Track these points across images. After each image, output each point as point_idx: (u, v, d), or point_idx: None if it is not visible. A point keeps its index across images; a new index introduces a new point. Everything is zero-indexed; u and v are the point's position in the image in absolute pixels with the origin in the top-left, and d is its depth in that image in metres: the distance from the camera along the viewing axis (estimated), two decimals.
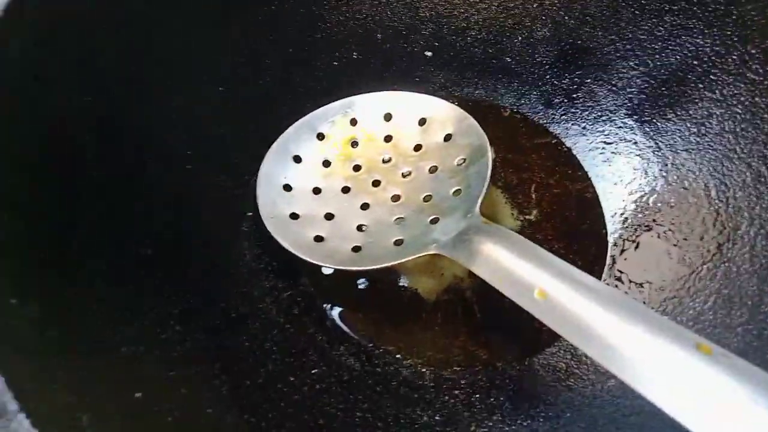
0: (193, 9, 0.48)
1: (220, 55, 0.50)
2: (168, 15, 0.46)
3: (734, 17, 0.45)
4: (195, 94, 0.48)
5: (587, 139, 0.53)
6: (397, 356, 0.46)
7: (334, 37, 0.54)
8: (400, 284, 0.48)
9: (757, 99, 0.44)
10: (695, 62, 0.48)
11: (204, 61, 0.49)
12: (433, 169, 0.48)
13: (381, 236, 0.45)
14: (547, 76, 0.55)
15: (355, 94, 0.51)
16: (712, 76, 0.47)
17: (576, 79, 0.54)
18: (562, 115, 0.55)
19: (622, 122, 0.52)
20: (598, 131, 0.53)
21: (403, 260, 0.42)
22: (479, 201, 0.44)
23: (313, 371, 0.43)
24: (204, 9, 0.48)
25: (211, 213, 0.48)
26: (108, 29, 0.41)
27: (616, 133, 0.52)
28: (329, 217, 0.47)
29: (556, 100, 0.55)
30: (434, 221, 0.45)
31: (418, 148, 0.50)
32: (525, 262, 0.37)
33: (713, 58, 0.47)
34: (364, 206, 0.48)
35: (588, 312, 0.33)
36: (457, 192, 0.46)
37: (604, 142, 0.53)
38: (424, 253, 0.42)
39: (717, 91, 0.47)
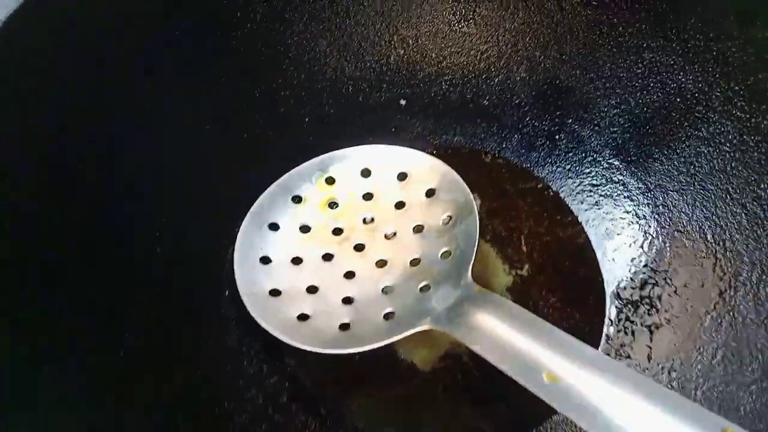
0: (163, 73, 0.45)
1: (188, 118, 0.47)
2: (140, 76, 0.43)
3: (714, 53, 0.44)
4: (158, 163, 0.45)
5: (574, 182, 0.52)
6: None
7: (303, 92, 0.52)
8: (396, 356, 0.46)
9: (745, 137, 0.43)
10: (678, 99, 0.47)
11: (171, 125, 0.46)
12: (419, 229, 0.46)
13: (369, 309, 0.43)
14: (527, 118, 0.53)
15: (330, 151, 0.49)
16: (696, 114, 0.46)
17: (557, 120, 0.52)
18: (545, 157, 0.53)
19: (608, 163, 0.50)
20: (584, 173, 0.51)
21: (396, 338, 0.40)
22: (470, 265, 0.42)
23: None
24: (171, 73, 0.46)
25: (186, 293, 0.44)
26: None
27: (603, 175, 0.50)
28: (312, 290, 0.44)
29: (539, 143, 0.53)
30: (425, 289, 0.42)
31: (400, 205, 0.48)
32: (531, 341, 0.34)
33: (697, 95, 0.46)
34: (349, 275, 0.45)
35: (607, 399, 0.31)
36: (446, 254, 0.44)
37: (592, 185, 0.51)
38: (417, 329, 0.40)
39: (703, 129, 0.45)
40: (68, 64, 0.41)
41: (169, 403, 0.40)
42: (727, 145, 0.44)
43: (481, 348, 0.36)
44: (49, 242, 0.38)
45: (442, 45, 0.54)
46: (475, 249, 0.42)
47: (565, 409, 0.31)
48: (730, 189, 0.43)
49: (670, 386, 0.41)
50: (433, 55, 0.54)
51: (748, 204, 0.42)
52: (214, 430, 0.39)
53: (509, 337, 0.35)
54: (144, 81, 0.44)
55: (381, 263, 0.45)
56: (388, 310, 0.42)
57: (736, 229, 0.43)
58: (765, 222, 0.41)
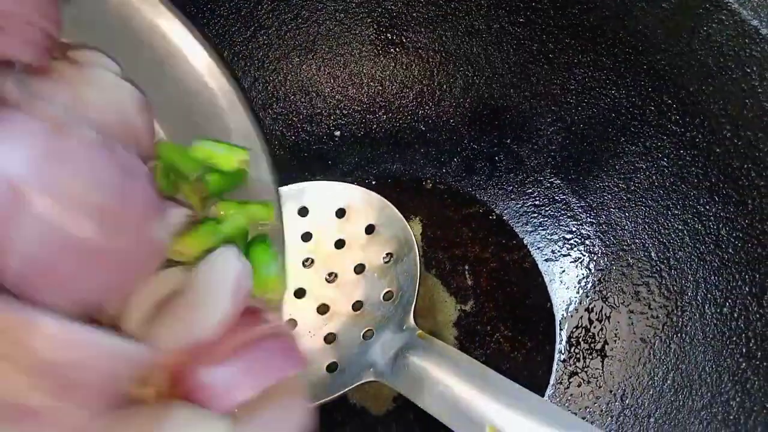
0: None
1: None
2: None
3: (645, 67, 0.43)
4: None
5: (517, 204, 0.50)
6: None
7: None
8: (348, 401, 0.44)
9: (681, 151, 0.42)
10: (613, 115, 0.46)
11: None
12: (360, 269, 0.45)
13: (312, 361, 0.41)
14: (465, 141, 0.52)
15: None
16: (632, 128, 0.45)
17: (495, 141, 0.51)
18: (486, 180, 0.52)
19: (549, 182, 0.49)
20: (526, 194, 0.50)
21: (340, 393, 0.38)
22: (412, 307, 0.40)
23: None
24: None
25: None
26: None
27: (546, 195, 0.49)
28: None
29: (479, 165, 0.52)
30: (368, 335, 0.41)
31: (340, 244, 0.46)
32: (475, 392, 0.33)
33: (631, 109, 0.45)
34: (290, 324, 0.43)
35: None
36: (389, 294, 0.43)
37: (535, 205, 0.50)
38: (361, 382, 0.38)
39: (640, 144, 0.45)
40: None
41: None
42: (665, 160, 0.43)
43: (424, 403, 0.35)
44: None
45: (372, 72, 0.52)
46: (416, 290, 0.41)
47: None
48: (671, 205, 0.43)
49: (623, 414, 0.40)
50: (364, 82, 0.52)
51: (689, 220, 0.42)
52: None
53: (452, 391, 0.34)
54: None
55: (323, 308, 0.44)
56: (332, 360, 0.41)
57: (678, 246, 0.42)
58: (707, 238, 0.41)
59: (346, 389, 0.38)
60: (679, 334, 0.40)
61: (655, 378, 0.40)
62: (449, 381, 0.35)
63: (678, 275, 0.41)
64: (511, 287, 0.48)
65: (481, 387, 0.33)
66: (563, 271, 0.47)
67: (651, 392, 0.40)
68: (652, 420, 0.39)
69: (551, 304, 0.47)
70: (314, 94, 0.51)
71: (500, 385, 0.33)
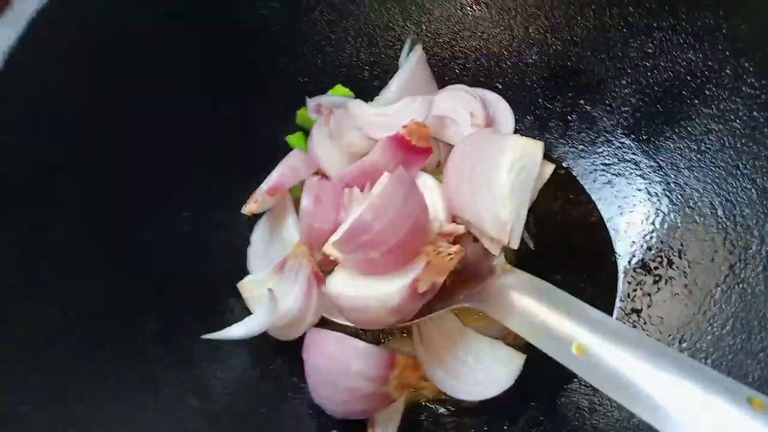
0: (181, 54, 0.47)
1: (205, 107, 0.49)
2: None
3: (724, 31, 0.45)
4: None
5: (587, 162, 0.53)
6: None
7: (322, 77, 0.54)
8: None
9: (755, 113, 0.44)
10: (689, 78, 0.47)
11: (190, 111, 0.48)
12: None
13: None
14: (540, 100, 0.54)
15: None
16: (707, 91, 0.46)
17: (569, 101, 0.53)
18: (558, 138, 0.54)
19: (620, 142, 0.51)
20: (596, 153, 0.52)
21: (434, 315, 0.41)
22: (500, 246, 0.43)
23: None
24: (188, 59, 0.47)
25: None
26: None
27: (616, 154, 0.51)
28: None
29: (552, 124, 0.54)
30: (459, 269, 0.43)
31: None
32: (561, 316, 0.36)
33: (707, 72, 0.46)
34: None
35: (633, 368, 0.32)
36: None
37: (604, 164, 0.52)
38: (454, 307, 0.41)
39: (713, 107, 0.46)
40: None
41: None
42: (737, 121, 0.45)
43: (513, 325, 0.37)
44: None
45: (455, 29, 0.55)
46: None
47: (595, 381, 0.33)
48: (740, 165, 0.44)
49: None
50: (446, 39, 0.55)
51: (757, 179, 0.43)
52: None
53: (541, 313, 0.37)
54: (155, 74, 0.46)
55: None
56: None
57: (746, 203, 0.43)
58: None
59: (438, 312, 0.41)
60: (740, 285, 0.42)
61: (714, 324, 0.42)
62: (537, 305, 0.37)
63: (743, 231, 0.43)
64: (576, 237, 0.50)
65: (567, 311, 0.36)
66: (628, 226, 0.49)
67: (709, 337, 0.41)
68: (709, 361, 0.40)
69: (614, 255, 0.49)
70: (399, 48, 0.54)
71: (585, 310, 0.36)
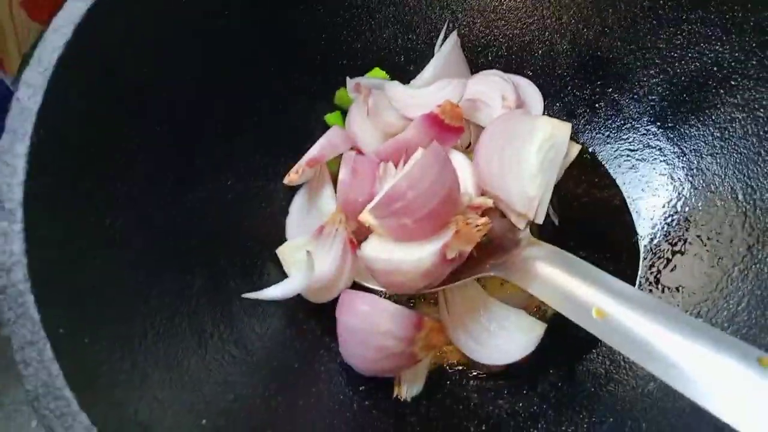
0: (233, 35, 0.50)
1: (255, 84, 0.52)
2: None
3: (752, 24, 0.46)
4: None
5: (612, 147, 0.55)
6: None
7: (359, 61, 0.56)
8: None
9: None
10: (715, 68, 0.49)
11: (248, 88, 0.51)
12: None
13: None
14: (569, 88, 0.56)
15: None
16: (732, 82, 0.48)
17: (597, 89, 0.55)
18: (585, 124, 0.56)
19: (645, 129, 0.53)
20: (622, 139, 0.54)
21: (460, 282, 0.44)
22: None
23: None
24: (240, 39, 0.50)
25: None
26: None
27: (641, 141, 0.53)
28: None
29: (579, 110, 0.56)
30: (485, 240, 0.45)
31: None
32: (580, 283, 0.38)
33: (733, 63, 0.48)
34: None
35: (649, 331, 0.34)
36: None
37: (629, 150, 0.54)
38: (480, 275, 0.44)
39: (738, 96, 0.48)
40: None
41: None
42: (761, 110, 0.46)
43: (535, 291, 0.40)
44: None
45: (490, 18, 0.57)
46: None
47: (613, 342, 0.35)
48: (762, 151, 0.46)
49: None
50: (480, 27, 0.58)
51: None
52: None
53: (563, 280, 0.39)
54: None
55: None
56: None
57: (766, 189, 0.45)
58: None
59: (466, 279, 0.44)
60: (758, 265, 0.43)
61: (731, 302, 0.43)
62: (558, 272, 0.39)
63: (762, 214, 0.45)
64: (599, 220, 0.52)
65: (589, 279, 0.38)
66: (650, 209, 0.51)
67: (725, 313, 0.43)
68: None
69: (636, 236, 0.51)
70: (435, 34, 0.57)
71: (605, 278, 0.38)
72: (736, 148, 0.48)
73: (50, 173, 0.35)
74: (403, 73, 0.57)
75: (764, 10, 0.46)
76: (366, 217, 0.43)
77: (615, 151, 0.55)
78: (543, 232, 0.49)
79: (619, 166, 0.54)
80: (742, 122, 0.48)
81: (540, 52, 0.57)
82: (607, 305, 0.36)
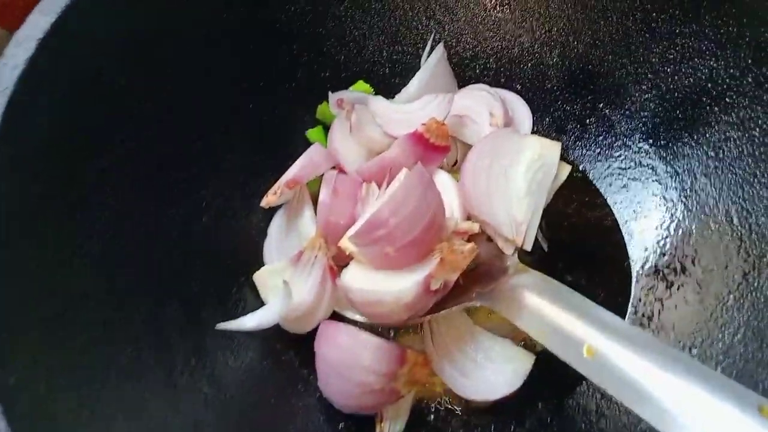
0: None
1: (228, 97, 0.50)
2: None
3: (748, 40, 0.45)
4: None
5: (603, 165, 0.53)
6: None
7: (343, 73, 0.54)
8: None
9: None
10: (709, 85, 0.47)
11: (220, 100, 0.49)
12: None
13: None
14: (559, 102, 0.55)
15: None
16: (727, 99, 0.46)
17: (588, 105, 0.53)
18: (576, 140, 0.54)
19: (637, 147, 0.51)
20: (613, 157, 0.52)
21: (445, 312, 0.42)
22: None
23: None
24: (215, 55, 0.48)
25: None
26: None
27: (633, 159, 0.52)
28: None
29: (570, 126, 0.54)
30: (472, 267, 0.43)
31: None
32: (570, 316, 0.36)
33: (728, 80, 0.46)
34: None
35: (642, 371, 0.32)
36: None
37: (621, 168, 0.52)
38: (466, 304, 0.42)
39: (733, 114, 0.46)
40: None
41: None
42: (757, 129, 0.45)
43: (524, 325, 0.38)
44: None
45: (478, 30, 0.55)
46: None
47: (602, 383, 0.33)
48: (758, 173, 0.44)
49: None
50: (469, 39, 0.56)
51: None
52: None
53: (552, 314, 0.37)
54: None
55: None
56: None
57: (762, 212, 0.43)
58: None
59: (451, 309, 0.41)
60: (753, 293, 0.42)
61: (726, 332, 0.42)
62: (549, 305, 0.37)
63: (758, 239, 0.43)
64: (590, 241, 0.50)
65: (579, 312, 0.36)
66: (642, 231, 0.49)
67: (720, 344, 0.42)
68: (719, 369, 0.41)
69: (628, 260, 0.49)
70: (421, 46, 0.55)
71: (597, 312, 0.36)
72: (731, 168, 0.46)
73: (11, 198, 0.33)
74: (389, 86, 0.55)
75: (760, 25, 0.44)
76: (346, 244, 0.40)
77: (606, 169, 0.53)
78: (532, 254, 0.47)
79: (611, 185, 0.52)
80: (737, 142, 0.46)
81: (529, 65, 0.55)
82: (598, 342, 0.34)
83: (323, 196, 0.44)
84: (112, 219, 0.39)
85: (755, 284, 0.42)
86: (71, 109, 0.38)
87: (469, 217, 0.44)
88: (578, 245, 0.50)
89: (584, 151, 0.54)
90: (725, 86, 0.46)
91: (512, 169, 0.43)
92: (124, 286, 0.39)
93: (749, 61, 0.45)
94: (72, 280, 0.36)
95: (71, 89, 0.37)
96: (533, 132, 0.51)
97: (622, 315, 0.47)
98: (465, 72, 0.56)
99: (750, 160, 0.45)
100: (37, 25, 0.36)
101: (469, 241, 0.42)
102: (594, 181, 0.53)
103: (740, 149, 0.46)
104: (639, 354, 0.33)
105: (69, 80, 0.37)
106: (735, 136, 0.46)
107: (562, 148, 0.51)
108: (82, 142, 0.38)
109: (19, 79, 0.34)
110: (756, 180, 0.44)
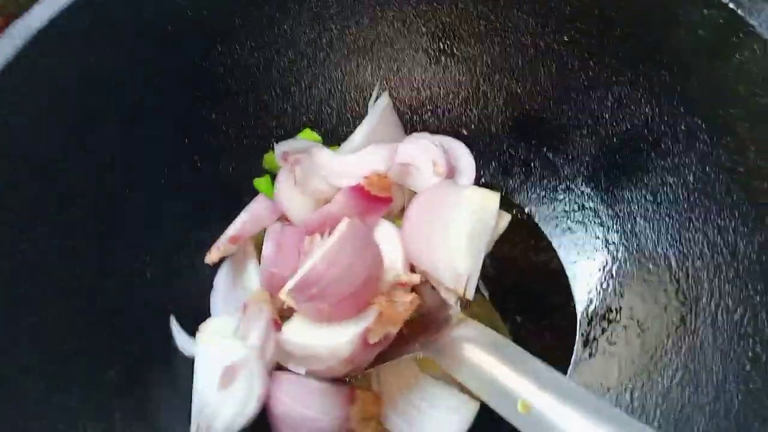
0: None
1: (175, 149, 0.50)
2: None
3: (679, 89, 0.46)
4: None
5: (548, 208, 0.54)
6: None
7: (288, 121, 0.55)
8: None
9: (708, 169, 0.45)
10: (645, 131, 0.49)
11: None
12: None
13: None
14: (504, 146, 0.56)
15: None
16: (662, 145, 0.48)
17: (532, 148, 0.55)
18: (521, 183, 0.55)
19: (580, 191, 0.52)
20: (558, 200, 0.53)
21: (389, 362, 0.42)
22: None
23: None
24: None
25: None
26: None
27: (576, 201, 0.53)
28: None
29: (515, 170, 0.55)
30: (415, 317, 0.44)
31: None
32: (508, 370, 0.36)
33: (663, 127, 0.48)
34: None
35: (576, 428, 0.32)
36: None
37: (565, 211, 0.53)
38: (409, 354, 0.42)
39: (669, 160, 0.47)
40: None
41: None
42: (691, 176, 0.46)
43: (463, 378, 0.38)
44: None
45: (423, 77, 0.56)
46: None
47: None
48: (693, 218, 0.45)
49: (631, 406, 0.43)
50: (414, 86, 0.57)
51: (709, 233, 0.44)
52: None
53: (490, 368, 0.37)
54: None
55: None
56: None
57: (697, 256, 0.44)
58: (724, 250, 0.43)
59: (395, 359, 0.42)
60: (691, 337, 0.43)
61: (665, 375, 0.43)
62: (487, 359, 0.38)
63: (695, 283, 0.44)
64: (536, 285, 0.51)
65: (516, 366, 0.36)
66: (587, 273, 0.50)
67: (659, 388, 0.42)
68: (658, 412, 0.41)
69: (573, 303, 0.50)
70: (368, 94, 0.55)
71: (533, 366, 0.36)
72: (668, 212, 0.47)
73: None
74: (337, 133, 0.55)
75: (691, 75, 0.46)
76: (285, 297, 0.41)
77: (552, 211, 0.54)
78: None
79: (556, 227, 0.53)
80: (673, 187, 0.47)
81: (475, 110, 0.56)
82: (532, 397, 0.35)
83: (266, 249, 0.45)
84: (48, 284, 0.39)
85: (692, 327, 0.43)
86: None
87: (412, 268, 0.45)
88: (526, 288, 0.51)
89: (530, 194, 0.55)
90: (660, 133, 0.48)
91: (452, 221, 0.43)
92: (64, 350, 0.39)
93: (681, 110, 0.46)
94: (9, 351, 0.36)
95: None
96: (480, 176, 0.52)
97: (568, 356, 0.48)
98: (412, 118, 0.57)
99: (685, 204, 0.46)
100: None
101: (413, 290, 0.43)
102: (539, 224, 0.54)
103: (676, 194, 0.47)
104: (573, 408, 0.33)
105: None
106: (671, 181, 0.47)
107: (508, 191, 0.52)
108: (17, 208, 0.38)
109: None
110: (691, 224, 0.46)
